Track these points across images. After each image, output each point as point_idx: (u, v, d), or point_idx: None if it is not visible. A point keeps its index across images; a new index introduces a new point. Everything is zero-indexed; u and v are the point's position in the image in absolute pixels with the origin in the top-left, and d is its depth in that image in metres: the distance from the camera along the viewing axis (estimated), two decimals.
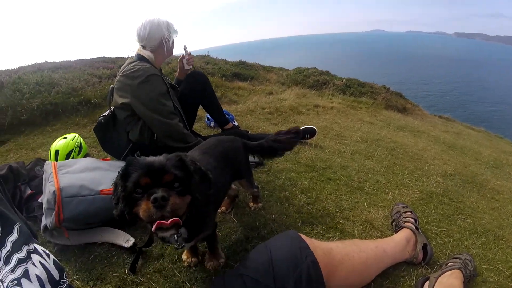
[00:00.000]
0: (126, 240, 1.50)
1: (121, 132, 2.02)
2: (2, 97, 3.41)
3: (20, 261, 0.75)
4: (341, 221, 1.75)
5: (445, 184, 2.43)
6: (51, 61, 5.34)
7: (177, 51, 2.30)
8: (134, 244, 1.48)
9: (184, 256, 1.41)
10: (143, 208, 0.89)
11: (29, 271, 0.75)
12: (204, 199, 1.01)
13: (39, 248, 0.84)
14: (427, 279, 1.30)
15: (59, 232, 1.50)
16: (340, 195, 2.03)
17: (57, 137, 2.47)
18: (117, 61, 5.44)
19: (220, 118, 2.65)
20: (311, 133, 2.82)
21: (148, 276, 1.33)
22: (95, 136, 2.24)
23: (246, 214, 1.75)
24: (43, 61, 5.25)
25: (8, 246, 0.75)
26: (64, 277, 0.87)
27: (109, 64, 5.09)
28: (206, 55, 7.45)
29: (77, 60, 5.61)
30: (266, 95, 5.17)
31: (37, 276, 0.75)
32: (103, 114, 2.09)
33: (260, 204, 1.81)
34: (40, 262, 0.79)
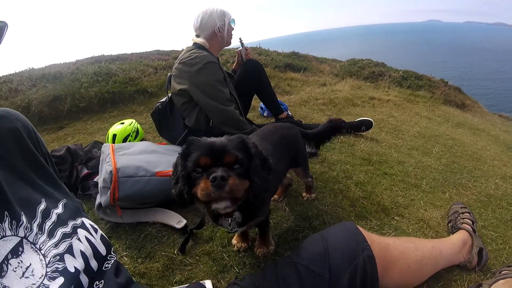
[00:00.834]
0: (178, 221, 1.53)
1: (178, 118, 2.09)
2: (61, 86, 3.64)
3: (65, 236, 0.71)
4: (396, 218, 1.68)
5: (505, 187, 2.25)
6: (108, 54, 5.59)
7: (235, 42, 2.36)
8: (186, 225, 1.51)
9: (234, 241, 1.41)
10: (202, 187, 0.87)
11: (73, 246, 0.71)
12: (263, 185, 0.99)
13: (87, 222, 0.80)
14: (480, 285, 1.20)
15: (112, 210, 1.56)
16: (396, 191, 1.95)
17: (114, 123, 2.56)
18: (171, 54, 5.61)
19: (275, 107, 2.64)
20: (367, 125, 2.71)
21: (197, 257, 1.36)
22: (151, 122, 2.33)
23: (298, 203, 1.73)
24: (100, 54, 5.51)
25: (53, 217, 0.71)
26: (112, 253, 0.84)
27: (164, 56, 5.27)
28: (258, 46, 7.34)
29: (132, 53, 5.82)
30: (320, 86, 5.05)
31: (81, 251, 0.72)
32: (161, 101, 2.18)
33: (313, 195, 1.78)
34: (86, 237, 0.76)
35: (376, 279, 0.97)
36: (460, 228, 1.47)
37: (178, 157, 0.98)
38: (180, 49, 5.88)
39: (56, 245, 0.68)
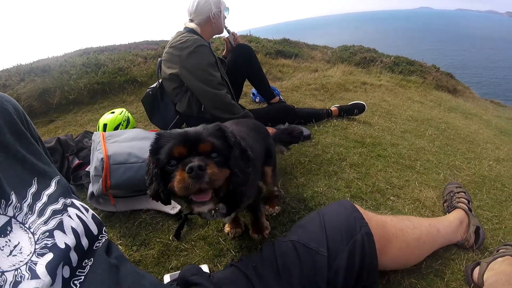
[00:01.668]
0: (172, 207, 1.52)
1: (169, 104, 2.06)
2: (49, 79, 3.59)
3: (55, 213, 0.68)
4: (391, 198, 1.69)
5: (498, 169, 2.29)
6: (96, 46, 5.51)
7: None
8: (180, 211, 1.49)
9: (226, 229, 1.37)
10: (178, 179, 0.78)
11: (64, 222, 0.67)
12: (243, 177, 0.90)
13: (77, 202, 0.76)
14: (478, 264, 1.20)
15: (105, 199, 1.54)
16: (391, 172, 1.95)
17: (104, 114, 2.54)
18: (161, 43, 5.53)
19: (267, 92, 2.61)
20: (360, 108, 2.70)
21: (192, 242, 1.35)
22: (142, 111, 2.29)
23: (293, 186, 1.72)
24: (88, 47, 5.42)
25: (44, 199, 0.68)
26: (103, 232, 0.80)
27: (153, 46, 5.20)
28: (249, 34, 7.19)
29: (121, 44, 5.74)
30: (311, 72, 5.04)
31: (72, 228, 0.68)
32: (151, 86, 2.14)
33: (277, 208, 1.51)
34: (77, 215, 0.72)
35: (375, 256, 0.96)
36: (456, 207, 1.48)
37: (149, 155, 0.88)
38: (170, 38, 5.81)
39: (46, 222, 0.66)
